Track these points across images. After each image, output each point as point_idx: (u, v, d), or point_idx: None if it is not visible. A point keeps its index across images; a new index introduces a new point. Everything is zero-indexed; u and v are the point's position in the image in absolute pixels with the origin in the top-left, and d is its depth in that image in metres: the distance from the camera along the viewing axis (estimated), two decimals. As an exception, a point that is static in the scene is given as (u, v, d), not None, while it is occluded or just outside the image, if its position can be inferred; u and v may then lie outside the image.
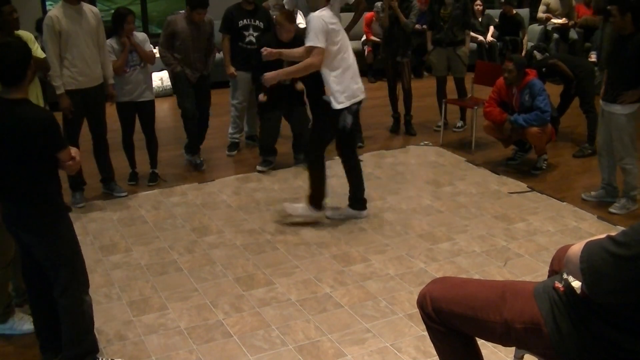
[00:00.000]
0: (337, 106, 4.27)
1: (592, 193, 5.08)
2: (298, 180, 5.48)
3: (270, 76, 4.38)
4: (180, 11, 5.72)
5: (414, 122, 6.85)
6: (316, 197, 4.54)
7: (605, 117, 4.79)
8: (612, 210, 4.84)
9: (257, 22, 5.87)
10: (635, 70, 4.51)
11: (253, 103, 6.14)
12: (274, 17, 6.36)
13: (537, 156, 5.68)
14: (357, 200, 4.75)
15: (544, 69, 6.08)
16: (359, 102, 4.43)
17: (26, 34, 4.04)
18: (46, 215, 2.82)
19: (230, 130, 6.25)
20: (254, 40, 5.85)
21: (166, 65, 5.60)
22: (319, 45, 4.15)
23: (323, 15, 4.21)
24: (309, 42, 4.19)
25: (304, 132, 5.69)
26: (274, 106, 5.60)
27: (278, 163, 5.84)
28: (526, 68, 5.49)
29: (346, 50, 4.35)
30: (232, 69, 5.91)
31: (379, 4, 9.11)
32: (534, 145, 5.61)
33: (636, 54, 4.46)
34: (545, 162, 5.68)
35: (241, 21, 5.84)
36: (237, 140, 6.30)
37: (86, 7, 4.74)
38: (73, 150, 2.89)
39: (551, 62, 6.21)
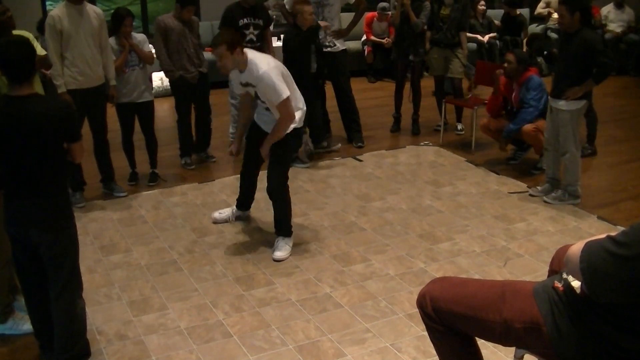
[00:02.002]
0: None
1: (539, 188, 5.15)
2: (298, 180, 5.48)
3: (264, 150, 4.08)
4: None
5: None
6: (289, 225, 4.29)
7: (553, 113, 4.86)
8: (546, 199, 4.99)
9: (257, 20, 5.87)
10: (578, 66, 4.60)
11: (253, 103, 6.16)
12: (280, 12, 6.42)
13: (538, 156, 5.68)
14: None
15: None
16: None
17: (25, 34, 4.04)
18: (61, 214, 2.85)
19: (230, 130, 6.27)
20: (254, 38, 5.85)
21: (165, 72, 5.54)
22: (287, 93, 3.89)
23: (270, 67, 3.91)
24: (279, 98, 3.87)
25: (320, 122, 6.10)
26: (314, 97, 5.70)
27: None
28: (528, 65, 5.54)
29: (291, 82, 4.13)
30: None
31: (383, 3, 9.16)
32: (533, 145, 5.61)
33: (580, 49, 4.55)
34: None
35: (242, 20, 5.83)
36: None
37: (89, 7, 4.74)
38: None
39: None
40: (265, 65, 3.92)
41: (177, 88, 5.61)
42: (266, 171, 4.25)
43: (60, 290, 2.88)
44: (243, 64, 3.97)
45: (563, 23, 4.61)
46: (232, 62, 3.94)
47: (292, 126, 4.09)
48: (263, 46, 5.82)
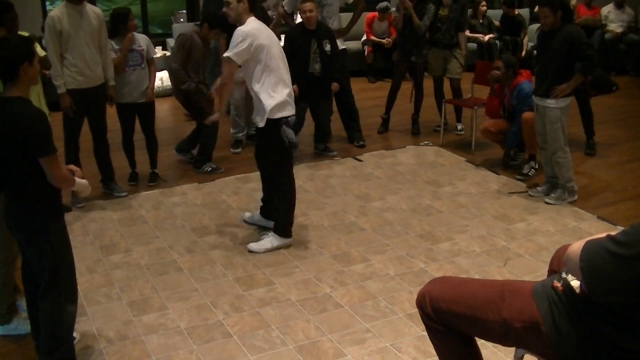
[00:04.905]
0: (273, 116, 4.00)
1: (539, 188, 5.14)
2: (298, 180, 5.47)
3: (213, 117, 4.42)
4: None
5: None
6: (286, 224, 4.27)
7: (540, 112, 4.87)
8: (547, 200, 4.97)
9: None
10: (563, 62, 4.63)
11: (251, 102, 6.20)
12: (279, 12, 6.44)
13: (526, 156, 5.63)
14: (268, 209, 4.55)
15: None
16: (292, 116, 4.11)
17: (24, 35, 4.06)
18: (34, 216, 2.77)
19: (231, 130, 6.35)
20: None
21: (180, 83, 5.45)
22: (233, 56, 3.89)
23: (246, 29, 3.93)
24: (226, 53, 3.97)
25: (327, 125, 6.16)
26: (300, 98, 5.64)
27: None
28: (518, 68, 5.54)
29: (275, 61, 4.02)
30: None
31: (383, 4, 9.16)
32: (526, 141, 5.52)
33: (565, 44, 4.58)
34: (533, 170, 5.52)
35: None
36: (240, 138, 6.38)
37: (89, 7, 4.74)
38: (76, 172, 2.90)
39: None
40: (246, 26, 3.94)
41: (196, 94, 5.52)
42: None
43: (43, 291, 2.84)
44: (241, 21, 3.99)
45: (547, 23, 4.65)
46: (234, 12, 4.00)
47: (265, 117, 3.97)
48: None
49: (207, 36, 5.49)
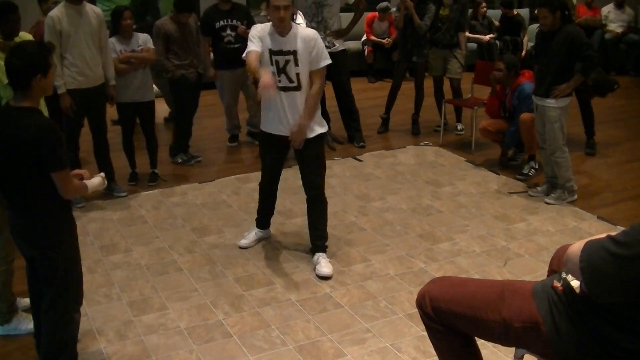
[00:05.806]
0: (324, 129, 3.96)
1: (539, 188, 5.15)
2: (298, 180, 5.46)
3: (300, 136, 3.78)
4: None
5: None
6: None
7: (540, 112, 4.87)
8: (547, 200, 4.97)
9: (235, 21, 5.89)
10: (562, 62, 4.64)
11: (253, 99, 6.23)
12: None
13: (526, 156, 5.64)
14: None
15: None
16: None
17: (26, 36, 4.05)
18: (45, 227, 2.72)
19: (226, 127, 6.52)
20: (232, 40, 5.89)
21: (165, 72, 5.60)
22: (326, 63, 3.74)
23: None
24: (326, 61, 3.73)
25: None
26: None
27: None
28: (519, 69, 5.55)
29: None
30: (212, 71, 5.99)
31: (383, 4, 9.16)
32: (525, 142, 5.54)
33: (565, 44, 4.59)
34: (533, 170, 5.52)
35: (218, 22, 5.89)
36: (236, 133, 6.54)
37: (88, 7, 4.74)
38: (84, 174, 2.87)
39: None
40: (306, 29, 3.83)
41: (179, 84, 5.62)
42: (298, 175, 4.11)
43: (49, 303, 2.80)
44: (289, 26, 3.72)
45: (546, 24, 4.65)
46: (287, 22, 3.71)
47: (321, 130, 3.88)
48: (243, 47, 5.85)
49: (179, 19, 5.50)
